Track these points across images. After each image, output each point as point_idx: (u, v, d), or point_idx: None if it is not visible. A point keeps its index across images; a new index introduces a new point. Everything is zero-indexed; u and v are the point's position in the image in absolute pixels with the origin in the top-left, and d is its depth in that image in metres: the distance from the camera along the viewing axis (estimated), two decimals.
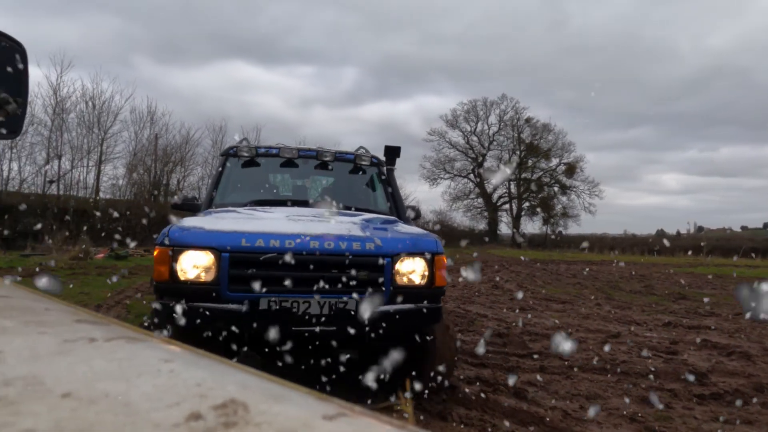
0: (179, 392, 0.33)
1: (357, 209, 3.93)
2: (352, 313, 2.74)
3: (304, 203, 3.91)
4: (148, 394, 0.32)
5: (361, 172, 4.45)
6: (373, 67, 52.57)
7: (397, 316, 2.78)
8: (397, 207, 4.22)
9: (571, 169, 35.21)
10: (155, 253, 2.70)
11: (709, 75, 55.31)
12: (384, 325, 2.69)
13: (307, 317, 2.68)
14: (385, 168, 4.40)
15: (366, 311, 2.62)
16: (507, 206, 37.13)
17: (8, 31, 1.08)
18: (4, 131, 1.09)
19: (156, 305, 2.58)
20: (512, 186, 36.46)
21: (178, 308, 2.51)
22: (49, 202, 17.31)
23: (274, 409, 0.31)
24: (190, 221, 2.95)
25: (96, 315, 0.56)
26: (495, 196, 36.66)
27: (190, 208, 4.00)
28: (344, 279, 2.68)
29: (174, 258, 2.64)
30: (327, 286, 2.65)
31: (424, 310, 2.90)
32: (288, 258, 2.55)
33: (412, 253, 2.91)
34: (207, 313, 2.55)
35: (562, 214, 35.91)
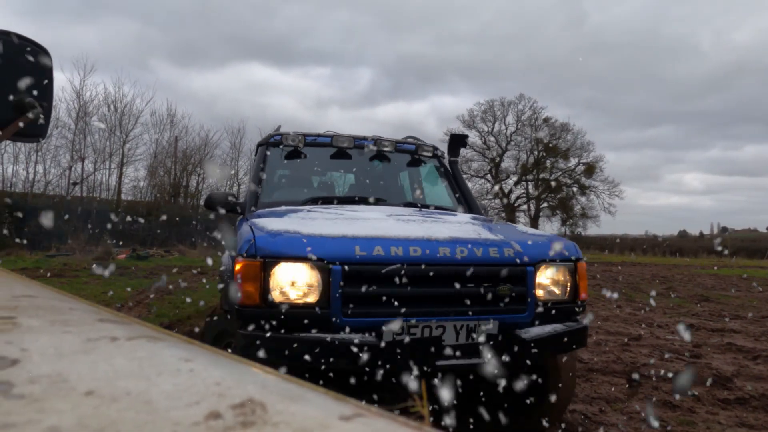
0: (199, 391, 0.33)
1: (430, 208, 3.39)
2: (499, 339, 2.23)
3: (372, 200, 3.31)
4: (168, 392, 0.33)
5: (421, 164, 3.86)
6: (388, 68, 52.54)
7: (545, 340, 2.27)
8: (469, 204, 3.58)
9: (590, 169, 34.72)
10: (237, 266, 2.05)
11: (732, 71, 54.03)
12: (530, 351, 2.22)
13: (449, 348, 2.13)
14: (448, 159, 3.80)
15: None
16: (525, 207, 36.79)
17: (33, 37, 1.10)
18: (30, 135, 1.12)
19: (243, 335, 2.04)
20: (530, 186, 36.14)
21: (278, 341, 1.98)
22: (72, 204, 17.70)
23: (291, 409, 0.31)
24: (275, 223, 2.28)
25: (118, 314, 0.57)
26: (512, 196, 36.37)
27: (231, 207, 3.14)
28: (483, 295, 2.19)
29: (266, 273, 2.02)
30: (461, 306, 2.14)
31: (572, 331, 2.37)
32: (416, 270, 2.08)
33: (554, 260, 2.40)
34: (319, 346, 1.97)
35: (581, 214, 35.44)
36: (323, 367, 1.95)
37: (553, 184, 34.41)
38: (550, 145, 34.61)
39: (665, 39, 51.71)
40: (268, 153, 3.50)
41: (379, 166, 3.76)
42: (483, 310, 2.19)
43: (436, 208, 3.42)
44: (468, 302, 2.16)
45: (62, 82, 20.10)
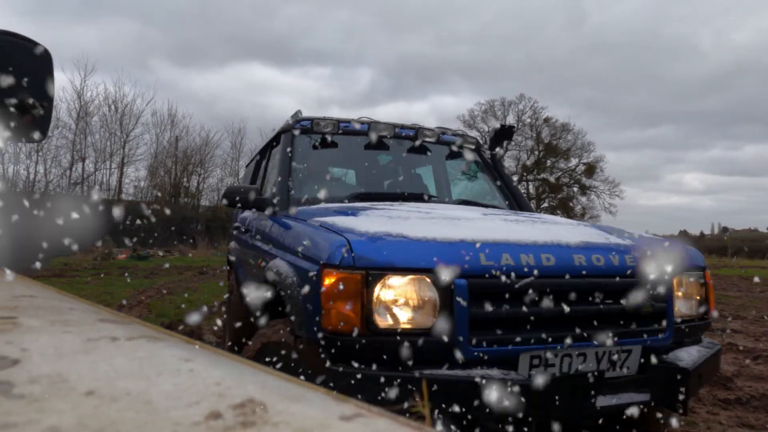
0: (199, 391, 0.33)
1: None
2: (653, 367, 1.83)
3: (420, 197, 2.88)
4: (169, 392, 0.33)
5: (461, 158, 3.45)
6: (388, 68, 52.42)
7: (702, 368, 1.92)
8: (519, 203, 3.21)
9: (590, 170, 34.75)
10: (328, 280, 1.56)
11: (732, 71, 53.96)
12: (692, 383, 1.85)
13: (604, 382, 1.68)
14: (489, 154, 3.43)
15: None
16: None
17: (32, 37, 1.10)
18: (30, 135, 1.12)
19: (337, 372, 1.55)
20: (530, 186, 36.17)
21: (394, 381, 1.50)
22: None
23: (291, 409, 0.31)
24: (365, 223, 1.80)
25: (118, 314, 0.57)
26: None
27: (256, 203, 2.56)
28: (624, 313, 1.82)
29: (369, 289, 1.55)
30: (602, 328, 1.73)
31: (715, 355, 2.05)
32: (552, 284, 1.69)
33: (687, 270, 2.06)
34: (452, 387, 1.53)
35: (582, 214, 35.45)
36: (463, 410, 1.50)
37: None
38: (552, 143, 34.64)
39: (665, 39, 51.69)
40: (295, 141, 2.95)
41: (420, 159, 3.35)
42: (624, 331, 1.80)
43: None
44: (608, 323, 1.77)
45: (63, 82, 20.19)
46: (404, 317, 1.60)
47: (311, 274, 1.65)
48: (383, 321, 1.57)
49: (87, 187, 20.77)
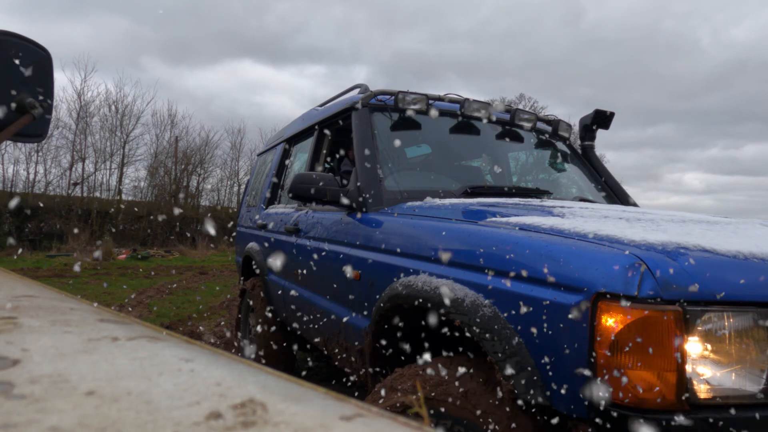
0: (199, 391, 0.33)
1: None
2: None
3: (524, 193, 2.42)
4: (169, 392, 0.33)
5: (551, 147, 3.00)
6: (384, 66, 52.12)
7: None
8: (622, 200, 2.82)
9: None
10: (609, 322, 1.04)
11: (732, 69, 53.91)
12: None
13: None
14: (580, 144, 3.03)
15: None
16: None
17: (31, 37, 1.11)
18: (30, 135, 1.12)
19: None
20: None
21: None
22: (73, 204, 17.73)
23: (292, 409, 0.31)
24: (612, 228, 1.26)
25: (119, 315, 0.57)
26: None
27: (337, 195, 2.15)
28: None
29: (688, 335, 1.02)
30: None
31: None
32: None
33: None
34: None
35: None
36: None
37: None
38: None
39: (664, 35, 51.66)
40: (374, 120, 2.43)
41: (511, 146, 2.92)
42: None
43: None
44: None
45: (63, 82, 20.14)
46: (730, 381, 1.05)
47: (567, 308, 1.09)
48: (710, 387, 1.03)
49: (87, 187, 20.78)
